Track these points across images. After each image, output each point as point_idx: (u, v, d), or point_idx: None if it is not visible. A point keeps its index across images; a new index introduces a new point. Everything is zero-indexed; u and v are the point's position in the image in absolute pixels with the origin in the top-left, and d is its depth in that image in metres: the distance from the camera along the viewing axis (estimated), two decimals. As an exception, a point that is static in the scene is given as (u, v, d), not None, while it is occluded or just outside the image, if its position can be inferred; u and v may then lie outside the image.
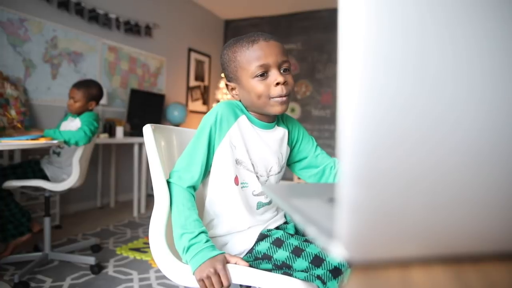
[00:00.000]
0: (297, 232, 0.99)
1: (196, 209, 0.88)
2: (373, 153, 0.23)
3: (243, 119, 0.93)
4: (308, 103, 5.08)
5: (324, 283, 0.75)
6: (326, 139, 4.95)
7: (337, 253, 0.24)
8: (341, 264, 0.76)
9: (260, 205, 0.96)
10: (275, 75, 0.86)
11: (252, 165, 0.93)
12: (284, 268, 0.84)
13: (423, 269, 0.25)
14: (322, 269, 0.77)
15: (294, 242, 0.84)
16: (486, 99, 0.23)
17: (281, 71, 0.88)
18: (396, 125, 0.23)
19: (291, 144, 1.04)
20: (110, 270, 2.04)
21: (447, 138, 0.23)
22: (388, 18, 0.22)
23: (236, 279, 0.78)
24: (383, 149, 0.23)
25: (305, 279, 0.79)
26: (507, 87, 0.23)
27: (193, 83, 5.07)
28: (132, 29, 3.87)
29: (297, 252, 0.82)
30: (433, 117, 0.23)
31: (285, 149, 1.01)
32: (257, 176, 0.94)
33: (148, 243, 2.47)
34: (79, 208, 3.38)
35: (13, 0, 2.78)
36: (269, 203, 0.97)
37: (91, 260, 1.99)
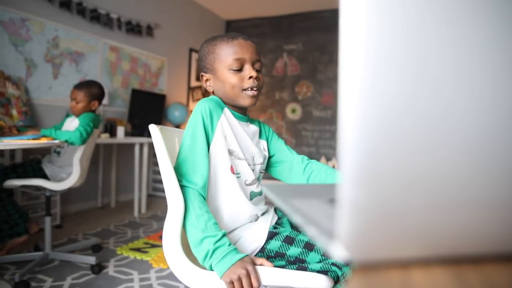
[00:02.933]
0: (292, 226, 1.01)
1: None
2: (374, 154, 0.23)
3: (227, 110, 0.98)
4: (309, 104, 5.08)
5: (340, 268, 0.82)
6: (327, 139, 4.95)
7: (337, 253, 0.24)
8: None
9: (253, 195, 0.98)
10: (249, 70, 0.94)
11: (243, 153, 0.97)
12: (298, 263, 0.87)
13: (423, 270, 0.25)
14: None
15: (303, 238, 0.90)
16: (487, 99, 0.23)
17: (254, 69, 0.95)
18: (396, 126, 0.23)
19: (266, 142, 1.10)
20: (110, 270, 2.04)
21: (447, 139, 0.23)
22: (388, 19, 0.22)
23: (264, 280, 0.78)
24: (383, 150, 0.23)
25: (321, 269, 0.83)
26: (507, 87, 0.23)
27: (194, 83, 5.07)
28: (134, 29, 3.88)
29: (309, 247, 0.88)
30: (433, 117, 0.23)
31: (261, 143, 1.06)
32: (248, 164, 0.97)
33: (148, 243, 2.47)
34: (80, 207, 3.38)
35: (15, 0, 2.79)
36: (261, 193, 1.00)
37: (91, 260, 1.99)
